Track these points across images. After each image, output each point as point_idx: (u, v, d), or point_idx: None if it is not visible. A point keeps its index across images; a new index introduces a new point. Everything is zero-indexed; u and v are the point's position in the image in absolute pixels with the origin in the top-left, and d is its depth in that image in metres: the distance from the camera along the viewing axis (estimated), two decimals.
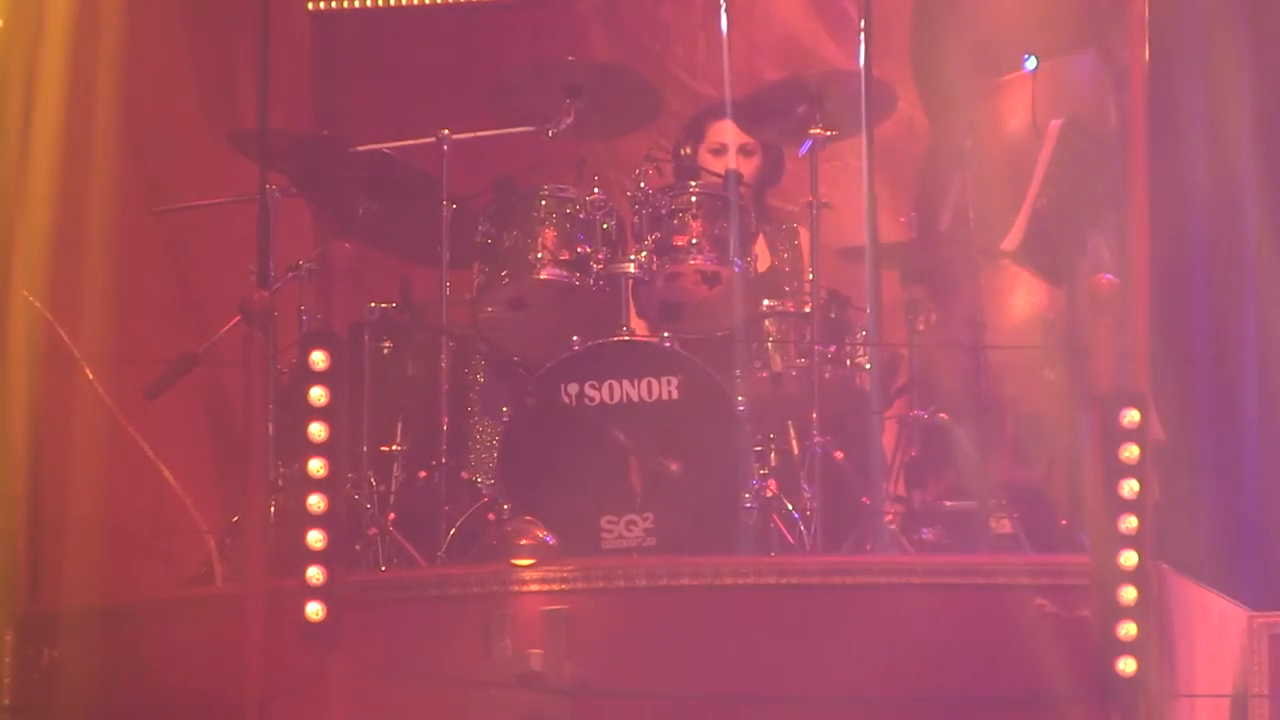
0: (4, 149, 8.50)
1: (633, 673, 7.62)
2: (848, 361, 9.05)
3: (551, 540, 8.08)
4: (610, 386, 8.64)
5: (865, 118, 8.78)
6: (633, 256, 8.88)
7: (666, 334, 8.83)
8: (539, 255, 8.86)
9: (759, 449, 8.88)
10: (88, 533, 8.45)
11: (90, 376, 8.72)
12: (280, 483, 8.57)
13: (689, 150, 9.52)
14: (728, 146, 9.38)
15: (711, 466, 8.62)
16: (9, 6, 8.47)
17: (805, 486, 8.73)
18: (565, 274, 8.86)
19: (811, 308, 8.93)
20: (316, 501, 7.54)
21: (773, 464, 8.90)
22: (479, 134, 9.20)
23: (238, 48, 10.03)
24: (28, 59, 8.57)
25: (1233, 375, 8.81)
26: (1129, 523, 7.31)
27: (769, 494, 8.73)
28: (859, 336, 9.07)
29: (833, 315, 9.06)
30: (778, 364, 9.02)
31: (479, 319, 9.02)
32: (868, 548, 8.64)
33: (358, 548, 8.56)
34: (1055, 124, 9.03)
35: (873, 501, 8.75)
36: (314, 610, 7.48)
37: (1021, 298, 9.77)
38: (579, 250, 8.87)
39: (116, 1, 8.81)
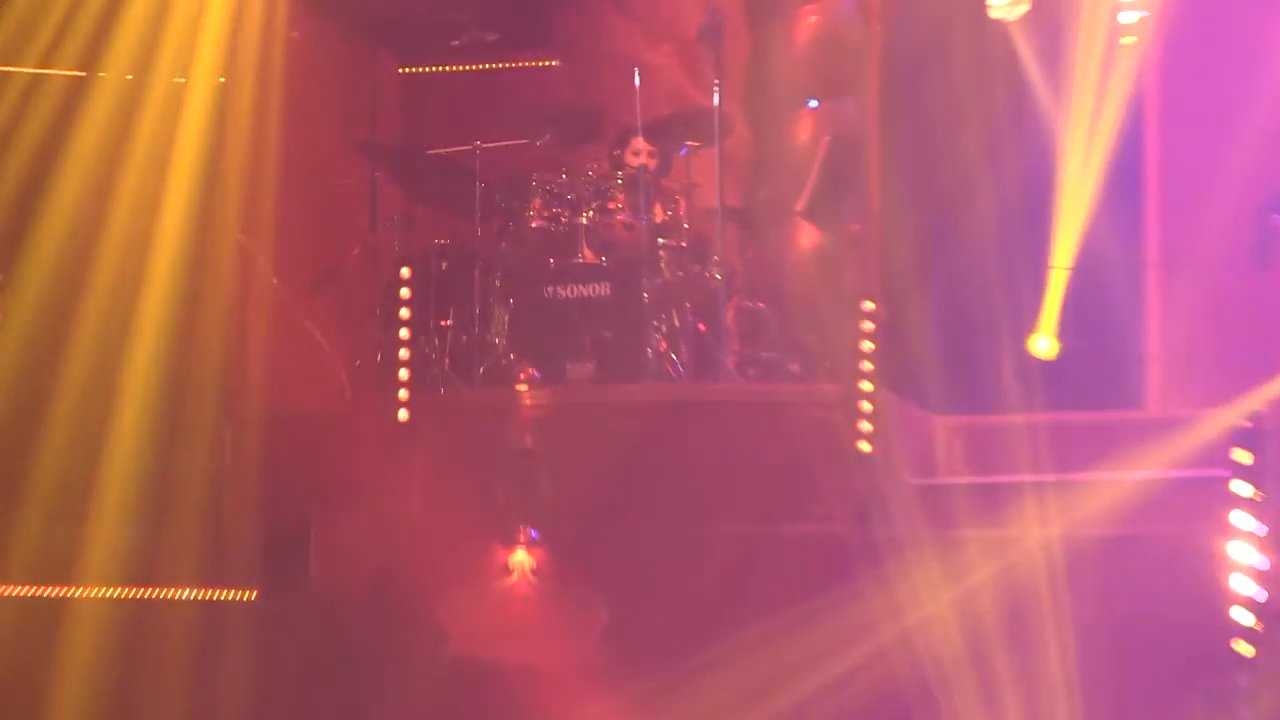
0: (223, 160, 9.00)
1: (582, 449, 8.47)
2: (707, 274, 9.98)
3: (538, 375, 9.24)
4: (572, 288, 9.61)
5: (718, 135, 9.90)
6: (585, 214, 9.89)
7: (603, 258, 9.79)
8: (531, 214, 9.96)
9: (656, 324, 9.67)
10: (270, 372, 8.91)
11: (275, 282, 9.36)
12: (383, 341, 9.24)
13: (618, 152, 10.22)
14: (641, 151, 10.10)
15: (629, 334, 9.53)
16: (226, 69, 9.09)
17: (682, 346, 9.65)
18: (547, 224, 9.91)
19: (687, 244, 9.97)
20: (404, 353, 8.70)
21: (664, 333, 9.70)
22: (498, 144, 10.17)
23: (359, 94, 10.49)
24: (234, 100, 9.12)
25: (930, 277, 9.07)
26: (866, 365, 8.37)
27: (661, 350, 9.61)
28: (714, 260, 9.95)
29: (698, 249, 10.06)
30: (667, 275, 9.95)
31: (498, 250, 9.99)
32: (718, 382, 9.53)
33: (428, 380, 9.35)
34: (825, 140, 10.04)
35: (720, 355, 9.62)
36: (403, 415, 8.58)
37: (806, 237, 10.35)
38: (554, 210, 9.97)
39: (282, 68, 9.20)
